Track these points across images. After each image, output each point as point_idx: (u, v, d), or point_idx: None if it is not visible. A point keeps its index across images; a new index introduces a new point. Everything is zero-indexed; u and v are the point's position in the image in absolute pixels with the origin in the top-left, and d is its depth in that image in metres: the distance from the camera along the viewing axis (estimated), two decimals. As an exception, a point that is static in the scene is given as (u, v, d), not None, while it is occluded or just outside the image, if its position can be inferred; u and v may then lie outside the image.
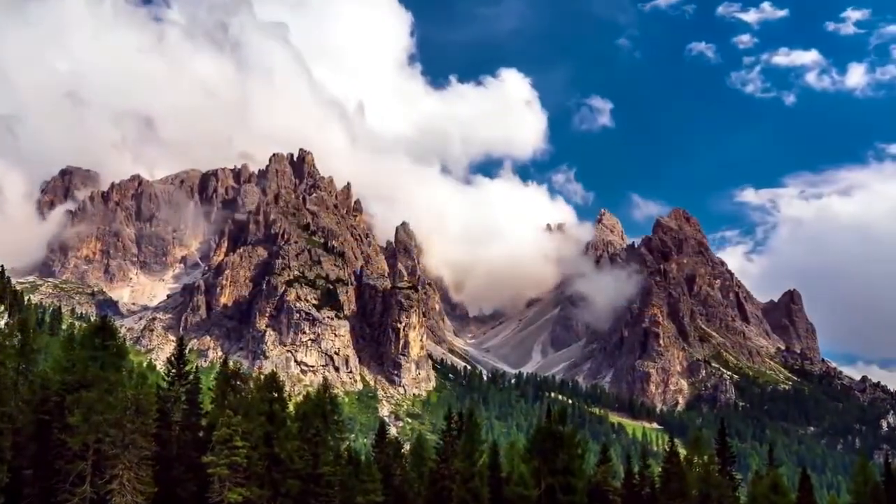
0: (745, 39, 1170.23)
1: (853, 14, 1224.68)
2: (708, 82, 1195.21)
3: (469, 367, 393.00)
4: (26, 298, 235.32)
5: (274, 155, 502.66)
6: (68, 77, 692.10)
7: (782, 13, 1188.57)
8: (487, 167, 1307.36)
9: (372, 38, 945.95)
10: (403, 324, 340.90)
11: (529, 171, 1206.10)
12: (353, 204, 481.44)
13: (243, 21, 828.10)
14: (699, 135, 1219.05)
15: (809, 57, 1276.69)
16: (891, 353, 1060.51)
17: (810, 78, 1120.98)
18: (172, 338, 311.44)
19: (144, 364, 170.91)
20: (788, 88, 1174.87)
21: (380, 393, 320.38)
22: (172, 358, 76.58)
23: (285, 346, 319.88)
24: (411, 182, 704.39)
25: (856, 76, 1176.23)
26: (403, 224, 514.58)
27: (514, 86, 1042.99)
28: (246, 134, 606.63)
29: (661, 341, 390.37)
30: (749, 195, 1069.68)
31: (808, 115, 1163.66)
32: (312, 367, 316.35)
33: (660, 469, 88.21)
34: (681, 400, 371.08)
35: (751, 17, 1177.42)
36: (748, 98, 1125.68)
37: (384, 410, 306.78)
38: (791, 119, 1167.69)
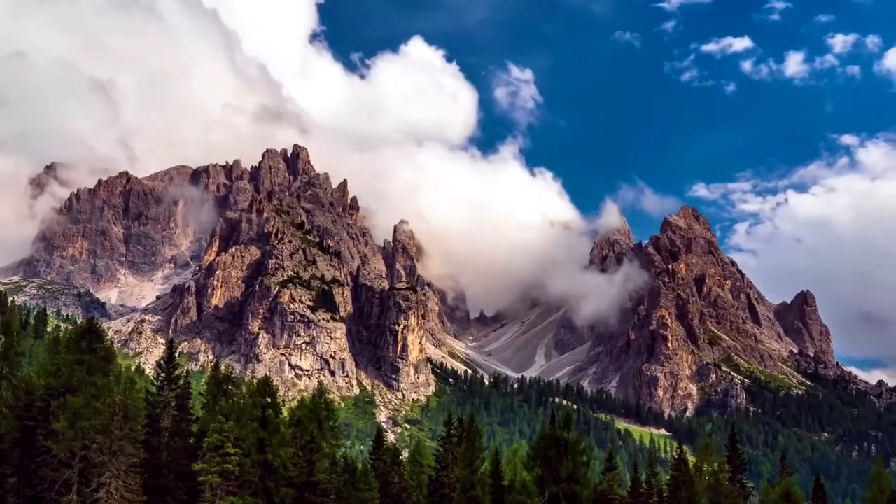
0: (668, 27, 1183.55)
1: (778, 4, 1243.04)
2: (640, 70, 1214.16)
3: (470, 371, 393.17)
4: (10, 300, 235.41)
5: (267, 151, 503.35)
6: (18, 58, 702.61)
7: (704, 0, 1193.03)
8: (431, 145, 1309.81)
9: (275, 13, 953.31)
10: (402, 326, 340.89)
11: (469, 146, 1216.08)
12: (349, 202, 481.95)
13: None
14: (645, 127, 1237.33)
15: (742, 44, 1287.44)
16: (866, 353, 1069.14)
17: (747, 66, 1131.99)
18: (162, 340, 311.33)
19: (133, 368, 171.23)
20: (727, 78, 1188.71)
21: (377, 398, 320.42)
22: (162, 361, 76.58)
23: (279, 349, 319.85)
24: (395, 173, 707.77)
25: (794, 65, 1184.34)
26: (402, 223, 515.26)
27: (427, 57, 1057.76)
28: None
29: (669, 344, 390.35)
30: (701, 190, 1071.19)
31: (751, 105, 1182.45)
32: (307, 371, 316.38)
33: (668, 477, 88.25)
34: (690, 405, 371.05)
35: (671, 3, 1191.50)
36: (685, 86, 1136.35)
37: (382, 416, 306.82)
38: (735, 110, 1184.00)
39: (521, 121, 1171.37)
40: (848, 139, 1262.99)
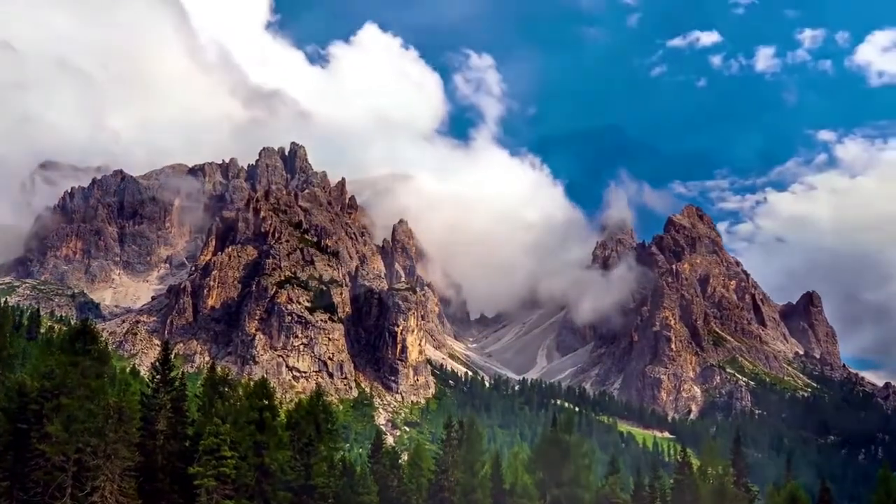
0: (632, 21, 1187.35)
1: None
2: (609, 65, 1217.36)
3: (470, 373, 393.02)
4: (2, 300, 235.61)
5: (264, 149, 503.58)
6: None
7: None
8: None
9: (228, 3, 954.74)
10: (401, 327, 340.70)
11: (444, 134, 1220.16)
12: (347, 200, 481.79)
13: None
14: (618, 123, 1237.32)
15: (710, 39, 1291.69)
16: (857, 354, 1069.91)
17: (716, 61, 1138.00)
18: (157, 342, 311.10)
19: (127, 370, 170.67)
20: (697, 73, 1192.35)
21: (376, 400, 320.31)
22: (157, 363, 76.59)
23: (276, 350, 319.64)
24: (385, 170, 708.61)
25: (764, 60, 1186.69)
26: (401, 223, 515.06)
27: (385, 44, 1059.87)
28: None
29: (672, 345, 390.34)
30: (678, 188, 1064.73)
31: (724, 101, 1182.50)
32: (305, 372, 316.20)
33: (671, 480, 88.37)
34: (694, 407, 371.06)
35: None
36: (655, 81, 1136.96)
37: (381, 419, 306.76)
38: (708, 106, 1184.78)
39: (491, 108, 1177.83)
40: (825, 135, 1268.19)
